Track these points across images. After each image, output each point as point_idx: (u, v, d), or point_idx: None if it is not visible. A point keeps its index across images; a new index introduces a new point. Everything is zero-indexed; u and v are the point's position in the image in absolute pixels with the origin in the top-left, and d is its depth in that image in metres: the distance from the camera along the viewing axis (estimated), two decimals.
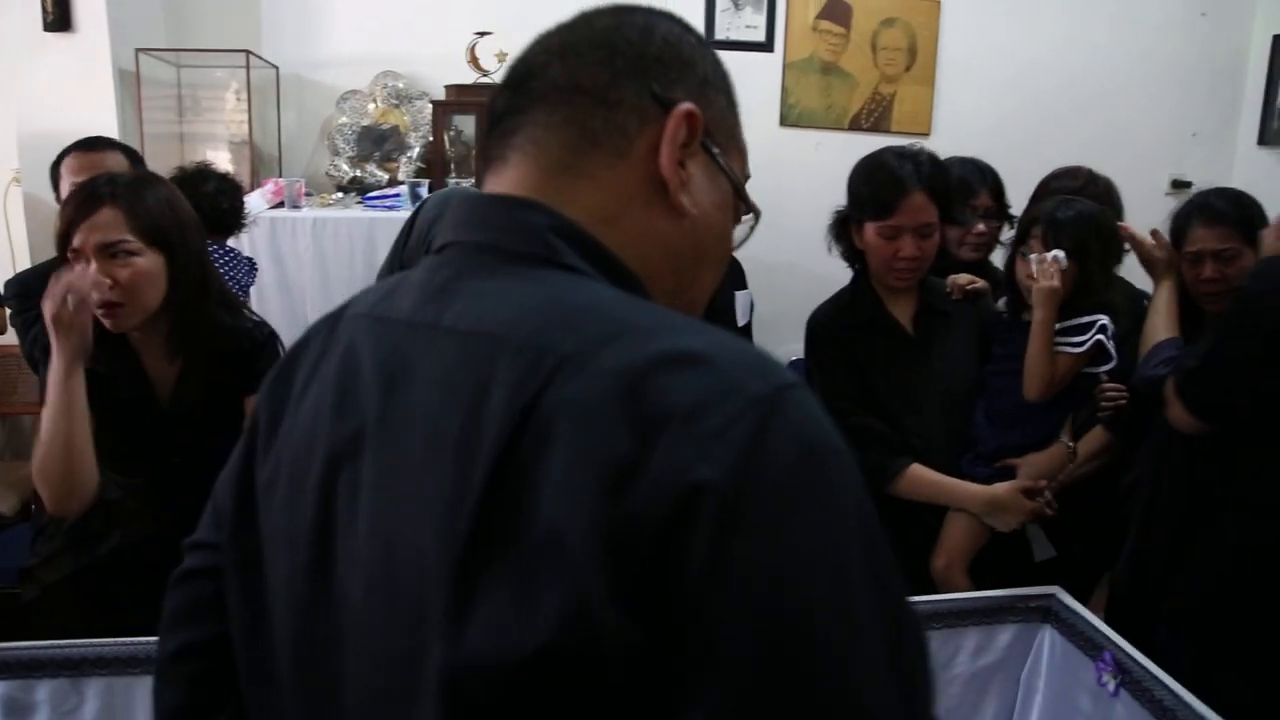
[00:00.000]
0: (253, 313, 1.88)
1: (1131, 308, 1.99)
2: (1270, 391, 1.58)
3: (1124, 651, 1.54)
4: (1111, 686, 1.54)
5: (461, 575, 0.51)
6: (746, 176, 0.72)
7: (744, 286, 2.21)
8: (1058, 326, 1.81)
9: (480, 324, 0.58)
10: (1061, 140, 3.58)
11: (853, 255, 1.86)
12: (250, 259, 2.61)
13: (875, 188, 1.74)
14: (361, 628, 0.60)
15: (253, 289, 2.99)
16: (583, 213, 0.63)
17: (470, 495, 0.51)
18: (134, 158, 2.39)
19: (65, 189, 2.30)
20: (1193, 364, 1.66)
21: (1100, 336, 1.79)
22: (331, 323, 0.72)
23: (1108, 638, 1.58)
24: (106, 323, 1.58)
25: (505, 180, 0.67)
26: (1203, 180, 3.70)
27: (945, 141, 3.15)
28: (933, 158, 1.78)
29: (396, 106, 3.57)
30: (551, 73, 0.66)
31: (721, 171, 0.69)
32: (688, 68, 0.68)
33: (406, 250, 1.76)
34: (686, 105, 0.65)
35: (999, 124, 3.79)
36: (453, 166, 3.50)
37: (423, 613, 0.53)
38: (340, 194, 3.43)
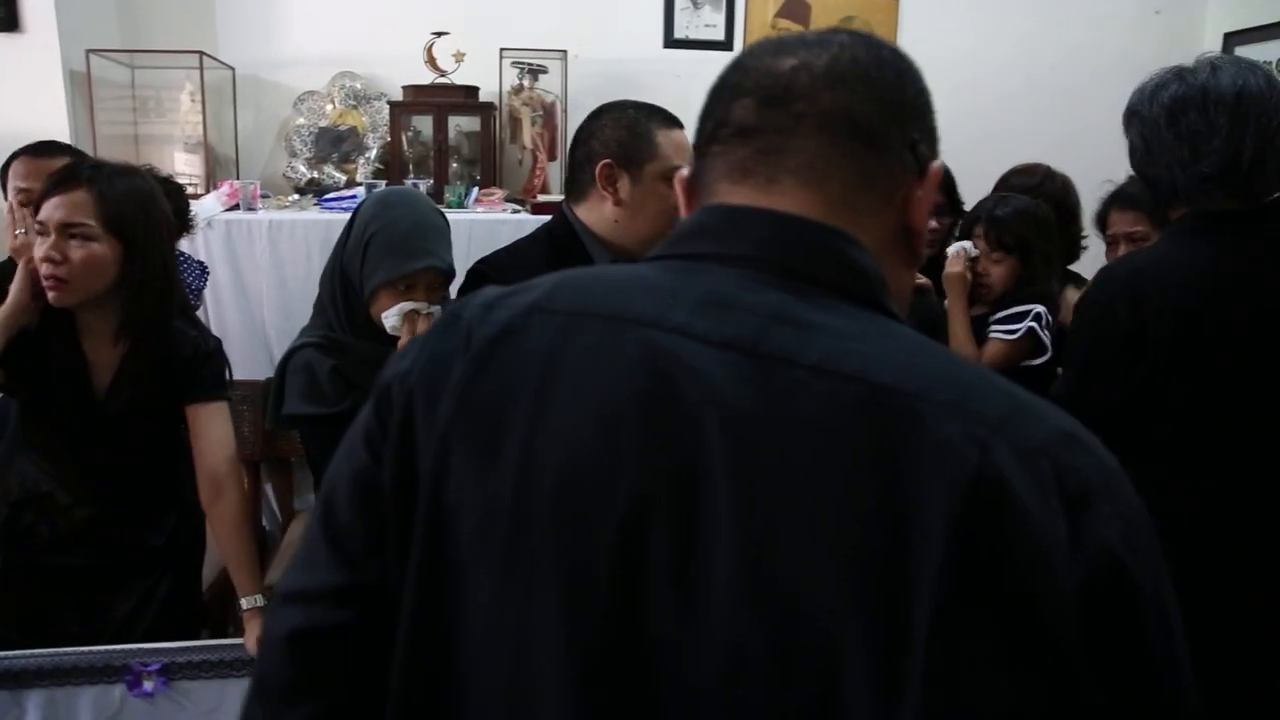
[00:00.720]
0: (199, 322, 1.88)
1: None
2: (1140, 384, 1.60)
3: None
4: None
5: (935, 641, 0.51)
6: None
7: None
8: (997, 315, 1.86)
9: (868, 373, 0.55)
10: (1022, 138, 3.59)
11: None
12: (201, 262, 2.59)
13: None
14: (730, 688, 0.54)
15: (207, 292, 2.97)
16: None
17: (925, 564, 0.51)
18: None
19: (12, 193, 2.28)
20: (1067, 390, 1.67)
21: (1034, 325, 1.83)
22: (544, 319, 0.64)
23: None
24: (50, 295, 1.62)
25: (781, 203, 0.65)
26: None
27: None
28: None
29: (354, 107, 3.55)
30: (823, 101, 0.65)
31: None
32: (927, 117, 0.70)
33: (346, 252, 1.76)
34: (939, 163, 0.68)
35: (959, 122, 3.75)
36: (411, 167, 3.48)
37: (840, 676, 0.52)
38: (297, 196, 3.40)
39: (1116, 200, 2.05)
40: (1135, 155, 1.60)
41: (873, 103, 0.66)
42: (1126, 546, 0.53)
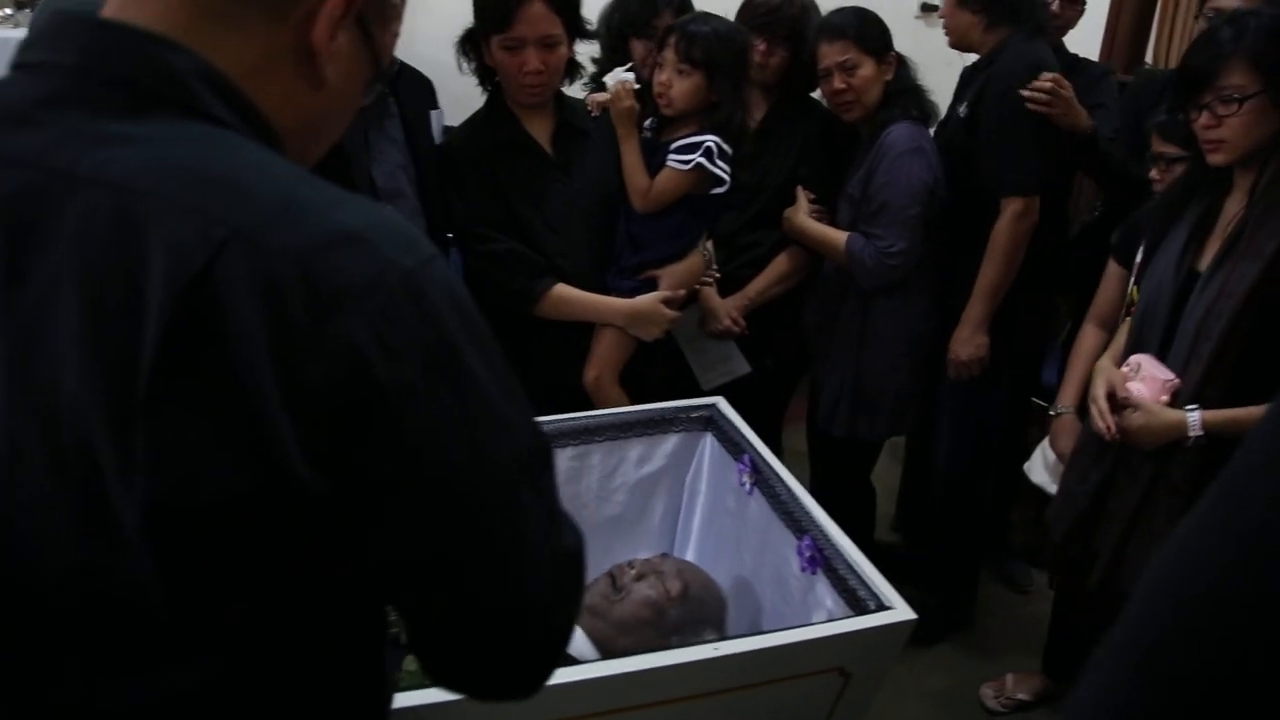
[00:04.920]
0: None
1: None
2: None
3: (759, 454, 1.65)
4: (748, 486, 1.66)
5: (149, 428, 0.54)
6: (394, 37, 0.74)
7: (435, 106, 2.11)
8: (675, 143, 1.87)
9: (132, 178, 0.56)
10: None
11: (484, 73, 1.81)
12: None
13: None
14: (9, 479, 0.56)
15: None
16: (232, 64, 0.62)
17: (145, 356, 0.53)
18: None
19: None
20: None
21: (703, 160, 1.84)
22: None
23: (749, 443, 1.69)
24: None
25: (148, 7, 0.62)
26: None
27: None
28: None
29: None
30: None
31: (368, 47, 0.69)
32: None
33: None
34: None
35: None
36: None
37: (95, 463, 0.54)
38: None
39: (824, 32, 2.07)
40: None
41: None
42: (381, 346, 0.55)
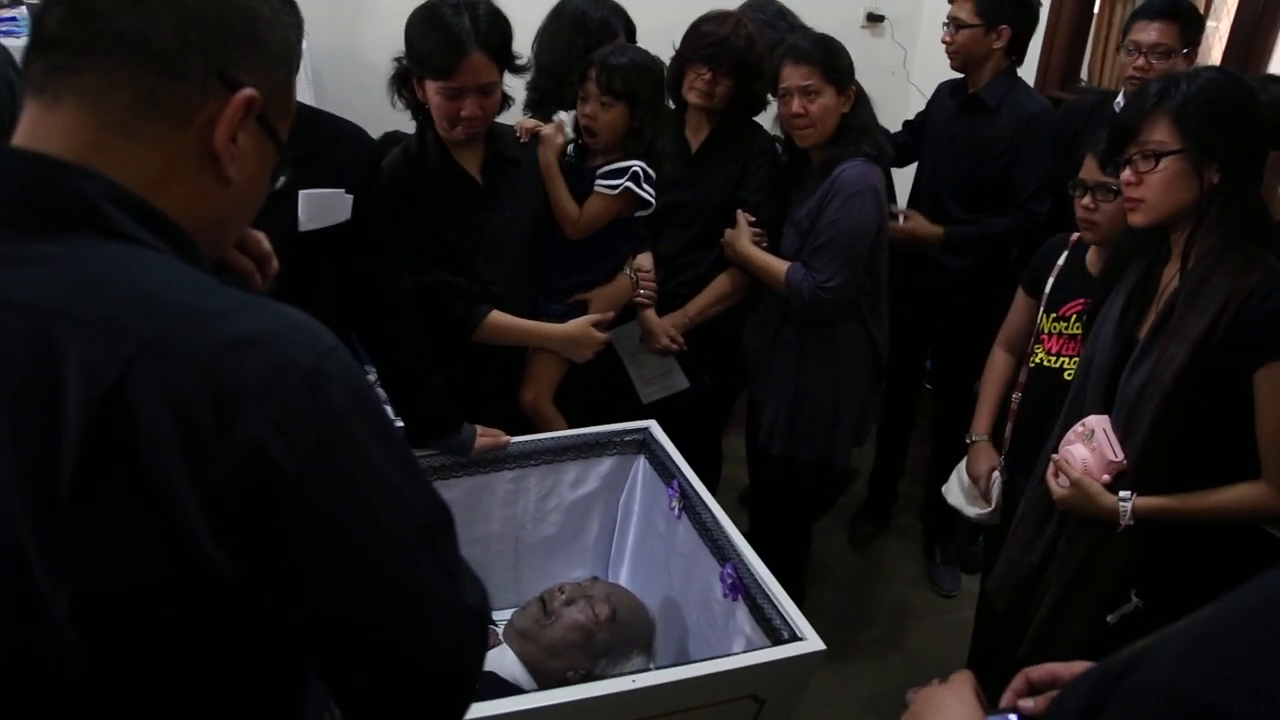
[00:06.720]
0: None
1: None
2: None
3: (687, 480, 1.71)
4: (676, 511, 1.72)
5: (72, 527, 0.58)
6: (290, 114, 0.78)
7: (342, 183, 1.55)
8: (601, 169, 1.93)
9: (44, 299, 0.60)
10: None
11: (416, 107, 1.84)
12: None
13: (433, 48, 1.69)
14: None
15: None
16: (137, 176, 0.66)
17: (65, 464, 0.58)
18: None
19: None
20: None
21: (630, 184, 1.90)
22: None
23: (679, 468, 1.75)
24: None
25: (55, 127, 0.66)
26: (895, 14, 3.84)
27: None
28: (491, 10, 1.73)
29: None
30: (120, 21, 0.65)
31: (271, 139, 0.74)
32: (257, 42, 0.71)
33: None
34: (248, 92, 0.69)
35: None
36: None
37: (26, 558, 0.58)
38: None
39: (790, 54, 2.08)
40: None
41: (176, 28, 0.66)
42: (281, 438, 0.60)
